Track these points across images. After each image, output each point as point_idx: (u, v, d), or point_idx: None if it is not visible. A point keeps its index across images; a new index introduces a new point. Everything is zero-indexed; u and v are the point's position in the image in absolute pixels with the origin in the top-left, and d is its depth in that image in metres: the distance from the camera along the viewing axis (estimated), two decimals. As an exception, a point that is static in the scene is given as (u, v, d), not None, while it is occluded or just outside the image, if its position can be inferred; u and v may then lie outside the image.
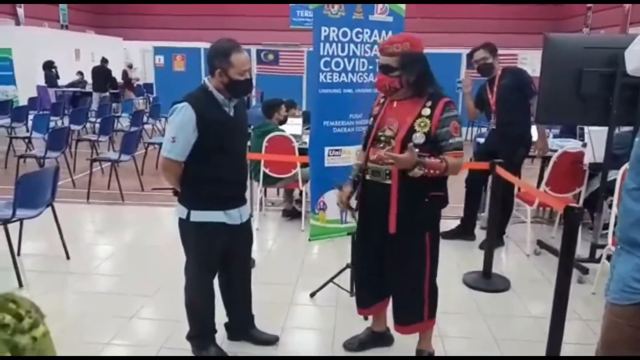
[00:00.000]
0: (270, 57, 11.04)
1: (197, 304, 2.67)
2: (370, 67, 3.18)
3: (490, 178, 4.58)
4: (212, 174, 2.45)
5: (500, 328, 3.12)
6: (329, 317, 3.22)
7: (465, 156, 2.56)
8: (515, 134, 4.21)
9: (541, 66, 3.56)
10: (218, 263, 2.64)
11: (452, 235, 4.56)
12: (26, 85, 12.70)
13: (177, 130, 2.36)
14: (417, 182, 2.26)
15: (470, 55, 4.33)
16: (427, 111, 2.30)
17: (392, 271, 2.50)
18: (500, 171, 3.56)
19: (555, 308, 2.44)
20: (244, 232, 2.67)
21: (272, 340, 2.88)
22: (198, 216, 2.48)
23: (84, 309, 3.27)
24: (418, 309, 2.51)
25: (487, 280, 3.67)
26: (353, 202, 2.62)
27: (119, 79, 14.11)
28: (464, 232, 4.58)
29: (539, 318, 3.16)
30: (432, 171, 2.22)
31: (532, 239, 4.38)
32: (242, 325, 2.89)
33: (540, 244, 4.31)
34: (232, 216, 2.55)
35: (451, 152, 2.29)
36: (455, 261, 4.12)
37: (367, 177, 2.47)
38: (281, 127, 5.04)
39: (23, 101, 11.70)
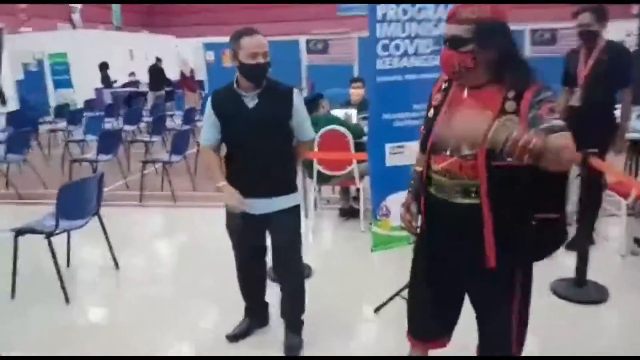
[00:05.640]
0: (320, 46, 10.74)
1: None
2: (436, 48, 2.76)
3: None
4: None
5: (595, 344, 2.64)
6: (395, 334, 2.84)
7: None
8: (603, 117, 3.62)
9: (638, 40, 3.02)
10: None
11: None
12: (83, 88, 12.97)
13: (205, 116, 2.53)
14: (513, 200, 1.67)
15: (574, 16, 3.61)
16: (511, 105, 1.64)
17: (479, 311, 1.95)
18: (596, 162, 3.04)
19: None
20: None
21: None
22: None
23: (136, 318, 3.10)
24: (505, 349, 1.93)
25: (579, 290, 3.17)
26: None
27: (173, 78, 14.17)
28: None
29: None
30: (517, 150, 1.41)
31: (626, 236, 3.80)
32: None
33: (638, 242, 3.73)
34: None
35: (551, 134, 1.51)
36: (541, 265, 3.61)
37: (431, 191, 1.86)
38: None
39: (80, 104, 11.91)
